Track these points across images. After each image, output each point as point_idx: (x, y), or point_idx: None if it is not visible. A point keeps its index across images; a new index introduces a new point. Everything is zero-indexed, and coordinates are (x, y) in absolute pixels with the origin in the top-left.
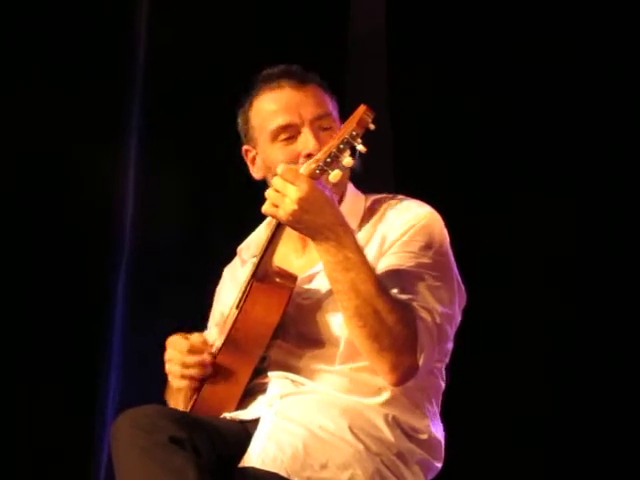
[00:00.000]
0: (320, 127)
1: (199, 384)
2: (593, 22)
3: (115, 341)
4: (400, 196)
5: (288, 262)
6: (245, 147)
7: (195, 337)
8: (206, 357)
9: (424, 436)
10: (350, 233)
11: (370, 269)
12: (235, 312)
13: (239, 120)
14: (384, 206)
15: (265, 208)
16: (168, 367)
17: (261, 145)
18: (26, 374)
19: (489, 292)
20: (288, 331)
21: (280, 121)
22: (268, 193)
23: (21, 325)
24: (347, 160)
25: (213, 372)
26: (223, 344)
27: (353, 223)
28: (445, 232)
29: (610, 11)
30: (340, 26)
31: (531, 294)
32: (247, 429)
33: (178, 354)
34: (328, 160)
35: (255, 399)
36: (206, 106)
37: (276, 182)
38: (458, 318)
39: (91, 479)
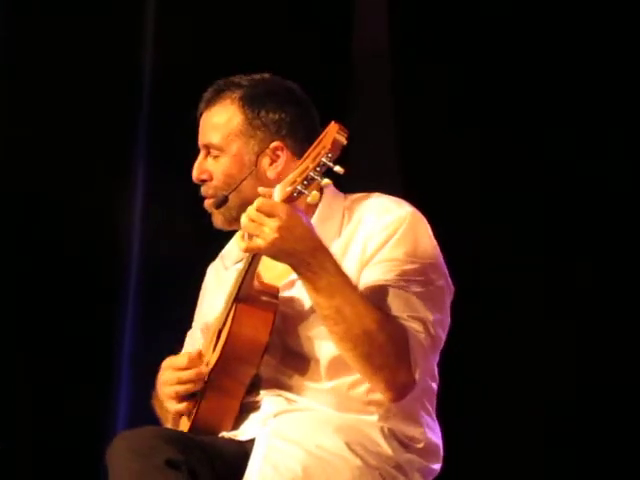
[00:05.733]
0: (207, 154)
1: (193, 408)
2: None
3: (124, 359)
4: (376, 194)
5: (271, 266)
6: None
7: (191, 353)
8: (202, 369)
9: (421, 445)
10: (330, 256)
11: (354, 291)
12: (223, 333)
13: None
14: (362, 206)
15: (244, 246)
16: (164, 390)
17: None
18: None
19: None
20: (274, 343)
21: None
22: (244, 224)
23: (32, 344)
24: (325, 181)
25: (208, 391)
26: (215, 365)
27: (333, 227)
28: (428, 229)
29: None
30: (343, 44)
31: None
32: (245, 449)
33: (173, 373)
34: (305, 183)
35: (248, 417)
36: None
37: (251, 212)
38: (449, 318)
39: None
